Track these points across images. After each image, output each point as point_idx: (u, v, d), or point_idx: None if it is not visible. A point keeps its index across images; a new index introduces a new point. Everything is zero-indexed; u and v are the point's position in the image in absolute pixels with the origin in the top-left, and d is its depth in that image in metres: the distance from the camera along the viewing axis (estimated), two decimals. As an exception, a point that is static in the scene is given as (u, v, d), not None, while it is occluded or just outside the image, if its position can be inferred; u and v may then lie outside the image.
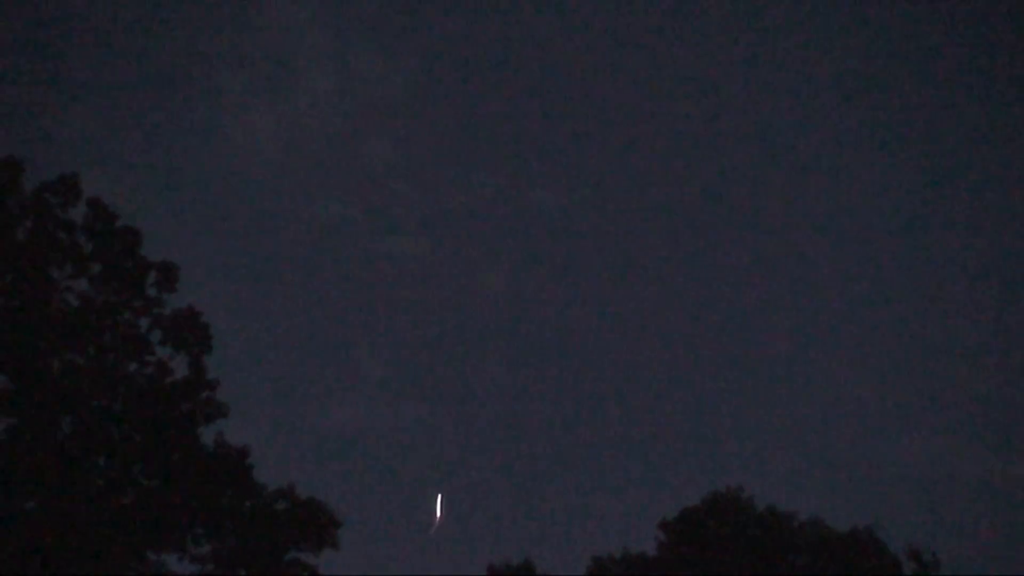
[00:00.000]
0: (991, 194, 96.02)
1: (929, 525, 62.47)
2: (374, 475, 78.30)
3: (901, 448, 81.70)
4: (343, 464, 77.13)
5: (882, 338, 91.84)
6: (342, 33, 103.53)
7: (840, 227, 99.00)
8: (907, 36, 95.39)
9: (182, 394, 34.43)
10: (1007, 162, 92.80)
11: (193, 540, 34.18)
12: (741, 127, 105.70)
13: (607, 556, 53.45)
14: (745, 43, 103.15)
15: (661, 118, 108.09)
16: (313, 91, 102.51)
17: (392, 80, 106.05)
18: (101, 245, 34.56)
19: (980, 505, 70.06)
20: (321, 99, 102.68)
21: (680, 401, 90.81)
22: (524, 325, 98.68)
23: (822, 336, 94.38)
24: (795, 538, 51.13)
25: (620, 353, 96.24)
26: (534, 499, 78.01)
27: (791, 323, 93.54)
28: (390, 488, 77.87)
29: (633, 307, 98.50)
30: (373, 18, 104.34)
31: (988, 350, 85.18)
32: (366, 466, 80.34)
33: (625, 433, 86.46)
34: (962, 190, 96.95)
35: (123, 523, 32.76)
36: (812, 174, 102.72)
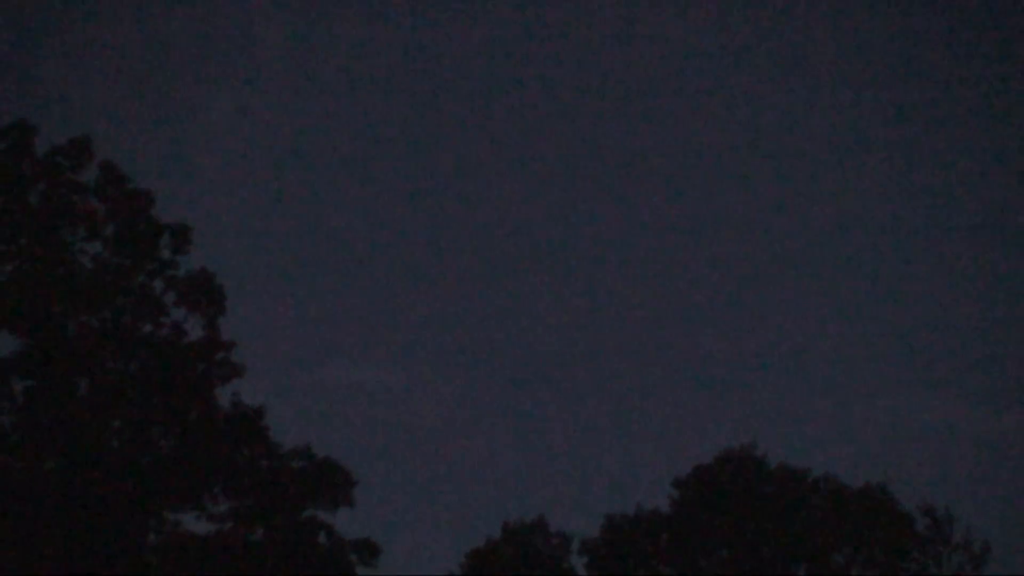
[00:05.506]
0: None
1: (938, 482, 62.73)
2: (385, 433, 78.86)
3: (910, 404, 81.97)
4: (354, 422, 77.58)
5: (893, 295, 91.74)
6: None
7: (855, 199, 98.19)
8: (912, 35, 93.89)
9: (198, 355, 34.58)
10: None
11: (211, 499, 34.48)
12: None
13: (620, 514, 53.76)
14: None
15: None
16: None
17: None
18: (114, 207, 34.62)
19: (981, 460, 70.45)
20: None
21: (692, 355, 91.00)
22: (529, 273, 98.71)
23: (835, 290, 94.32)
24: (808, 495, 51.45)
25: (632, 309, 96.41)
26: (546, 456, 78.49)
27: (803, 276, 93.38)
28: (402, 446, 78.52)
29: (644, 263, 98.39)
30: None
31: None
32: (375, 424, 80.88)
33: (637, 388, 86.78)
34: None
35: (140, 484, 33.04)
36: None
